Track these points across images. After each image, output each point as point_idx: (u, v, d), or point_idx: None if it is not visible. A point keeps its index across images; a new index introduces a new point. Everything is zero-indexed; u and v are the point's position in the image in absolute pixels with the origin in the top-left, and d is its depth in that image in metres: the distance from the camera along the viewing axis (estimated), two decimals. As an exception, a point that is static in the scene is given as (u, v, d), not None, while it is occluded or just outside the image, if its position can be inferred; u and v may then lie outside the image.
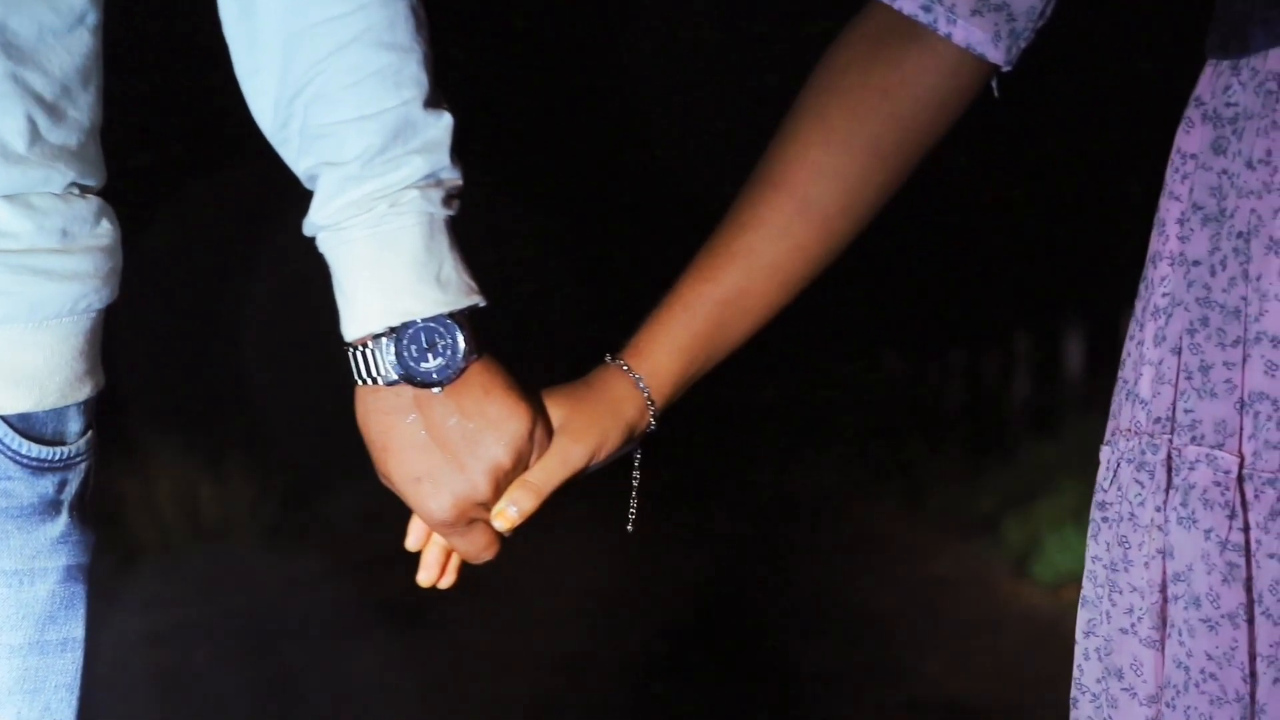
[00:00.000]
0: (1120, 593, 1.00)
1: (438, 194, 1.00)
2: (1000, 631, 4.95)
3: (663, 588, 5.76)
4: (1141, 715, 0.98)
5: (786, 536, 7.41)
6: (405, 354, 0.99)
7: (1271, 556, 0.93)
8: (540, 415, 1.05)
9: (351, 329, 1.01)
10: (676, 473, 9.90)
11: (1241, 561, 0.94)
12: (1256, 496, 0.94)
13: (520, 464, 1.04)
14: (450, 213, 1.01)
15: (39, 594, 0.97)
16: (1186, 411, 0.97)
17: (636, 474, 1.11)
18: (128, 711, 3.96)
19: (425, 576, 1.09)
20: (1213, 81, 1.01)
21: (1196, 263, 0.99)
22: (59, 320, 0.95)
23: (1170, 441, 0.98)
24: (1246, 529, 0.94)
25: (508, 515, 1.05)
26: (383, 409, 1.02)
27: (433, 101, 1.00)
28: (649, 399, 1.08)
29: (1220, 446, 0.95)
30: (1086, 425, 7.71)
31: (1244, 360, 0.95)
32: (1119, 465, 1.01)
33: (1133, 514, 0.99)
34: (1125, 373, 1.04)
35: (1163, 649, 0.97)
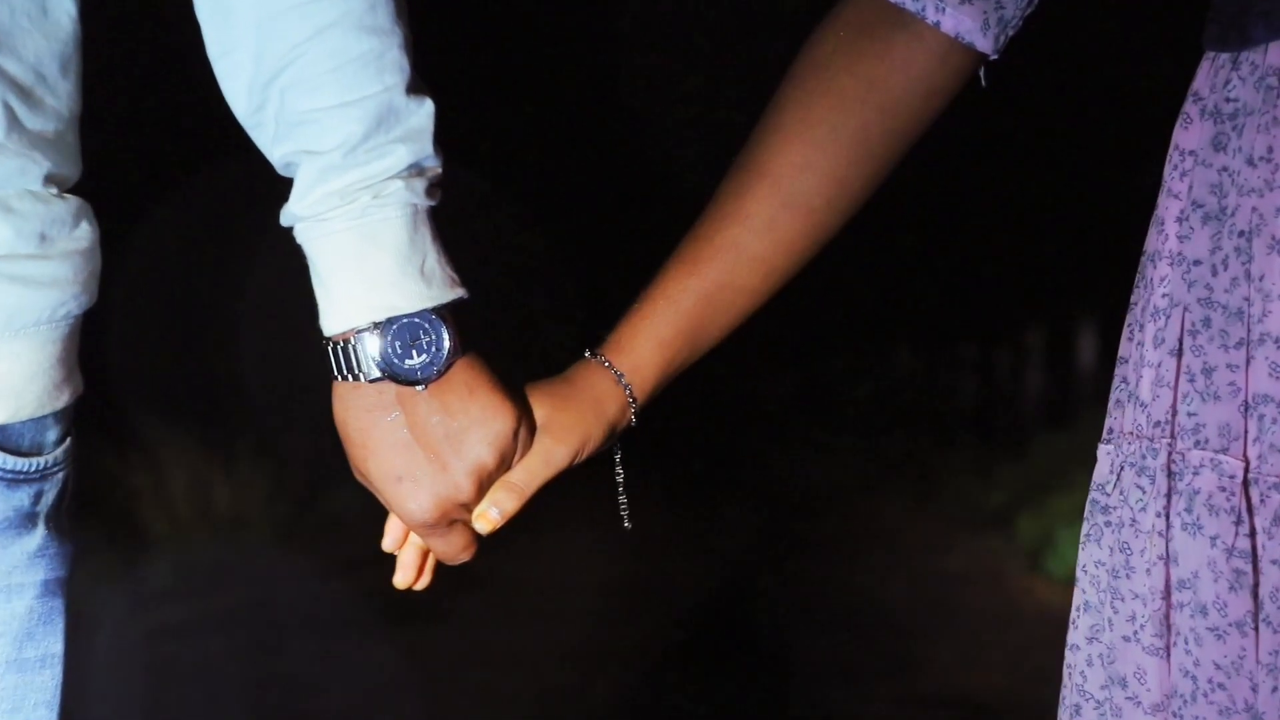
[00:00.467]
0: (1122, 600, 0.97)
1: (421, 184, 0.97)
2: (1013, 626, 4.94)
3: (673, 582, 5.75)
4: None
5: (798, 531, 7.40)
6: (389, 350, 0.96)
7: (1275, 563, 0.91)
8: (525, 414, 1.02)
9: (332, 323, 0.97)
10: (688, 467, 9.90)
11: (1248, 568, 0.91)
12: (1262, 501, 0.92)
13: (504, 464, 1.02)
14: (433, 203, 0.98)
15: (16, 610, 0.93)
16: (1189, 415, 0.95)
17: (620, 471, 1.08)
18: (140, 704, 3.97)
19: (402, 578, 1.06)
20: (1211, 76, 0.98)
21: (1197, 262, 0.96)
22: (36, 328, 0.91)
23: (1170, 445, 0.95)
24: (1253, 534, 0.92)
25: (489, 517, 1.02)
26: (363, 406, 0.99)
27: (415, 87, 0.97)
28: (631, 396, 1.06)
29: (1225, 451, 0.93)
30: (1099, 419, 7.65)
31: (1247, 362, 0.93)
32: (1121, 469, 0.99)
33: (1134, 519, 0.97)
34: (1126, 372, 1.02)
35: (1168, 657, 0.95)
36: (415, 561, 1.06)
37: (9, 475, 0.92)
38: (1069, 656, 1.03)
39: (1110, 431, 1.02)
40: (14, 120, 0.89)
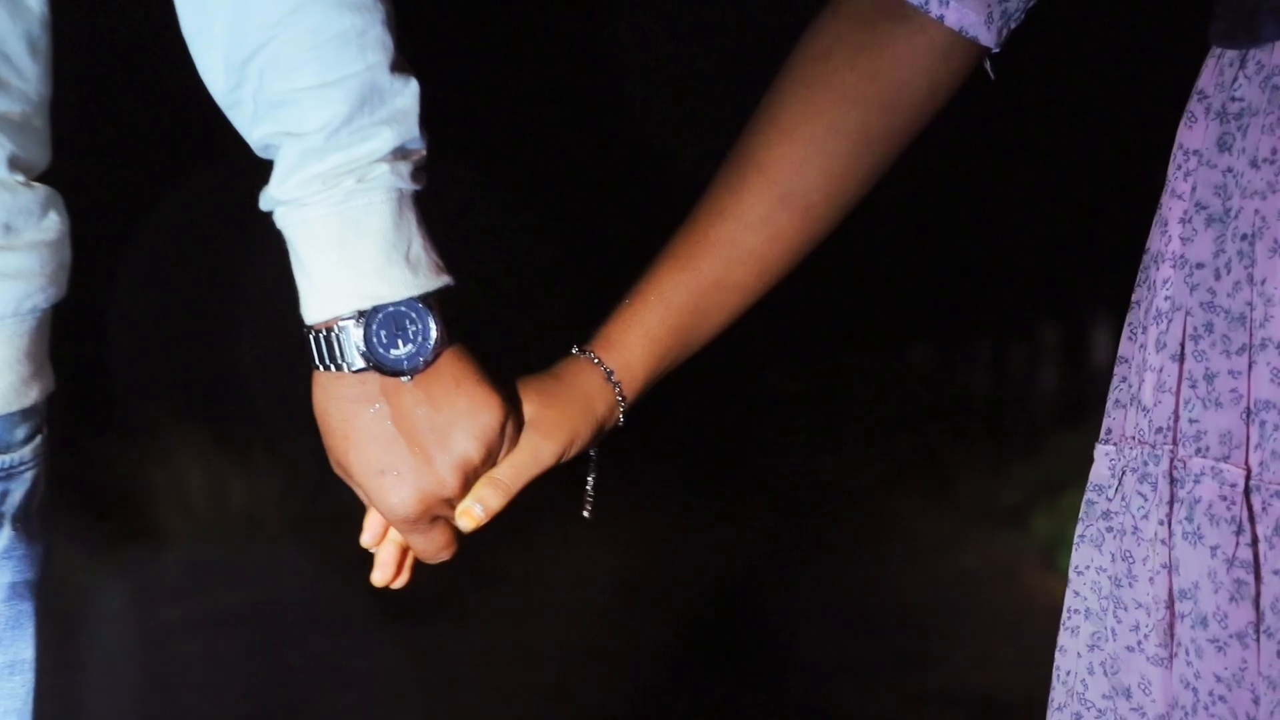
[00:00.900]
0: (1125, 609, 0.95)
1: (406, 167, 0.93)
2: (1028, 623, 4.93)
3: (687, 579, 5.75)
4: None
5: (810, 528, 7.40)
6: (374, 340, 0.93)
7: (1277, 573, 0.89)
8: (512, 409, 0.99)
9: (314, 311, 0.94)
10: (700, 464, 9.89)
11: (1250, 578, 0.89)
12: (1264, 509, 0.90)
13: (489, 459, 0.99)
14: (418, 187, 0.94)
15: None
16: (1191, 421, 0.93)
17: (592, 476, 1.04)
18: (152, 701, 3.98)
19: (380, 576, 1.03)
20: (1216, 74, 0.96)
21: (1200, 265, 0.94)
22: (1, 322, 0.89)
23: (1172, 452, 0.93)
24: (1255, 542, 0.89)
25: (473, 513, 0.99)
26: (345, 397, 0.95)
27: (399, 66, 0.92)
28: (620, 394, 1.03)
29: (1226, 459, 0.91)
30: (1114, 416, 7.64)
31: (1249, 368, 0.91)
32: (1123, 474, 0.97)
33: (1136, 527, 0.95)
34: (1126, 372, 1.00)
35: (1171, 666, 0.93)
36: (394, 559, 1.03)
37: None
38: (1059, 658, 1.01)
39: (1109, 432, 1.01)
40: None
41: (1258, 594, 0.89)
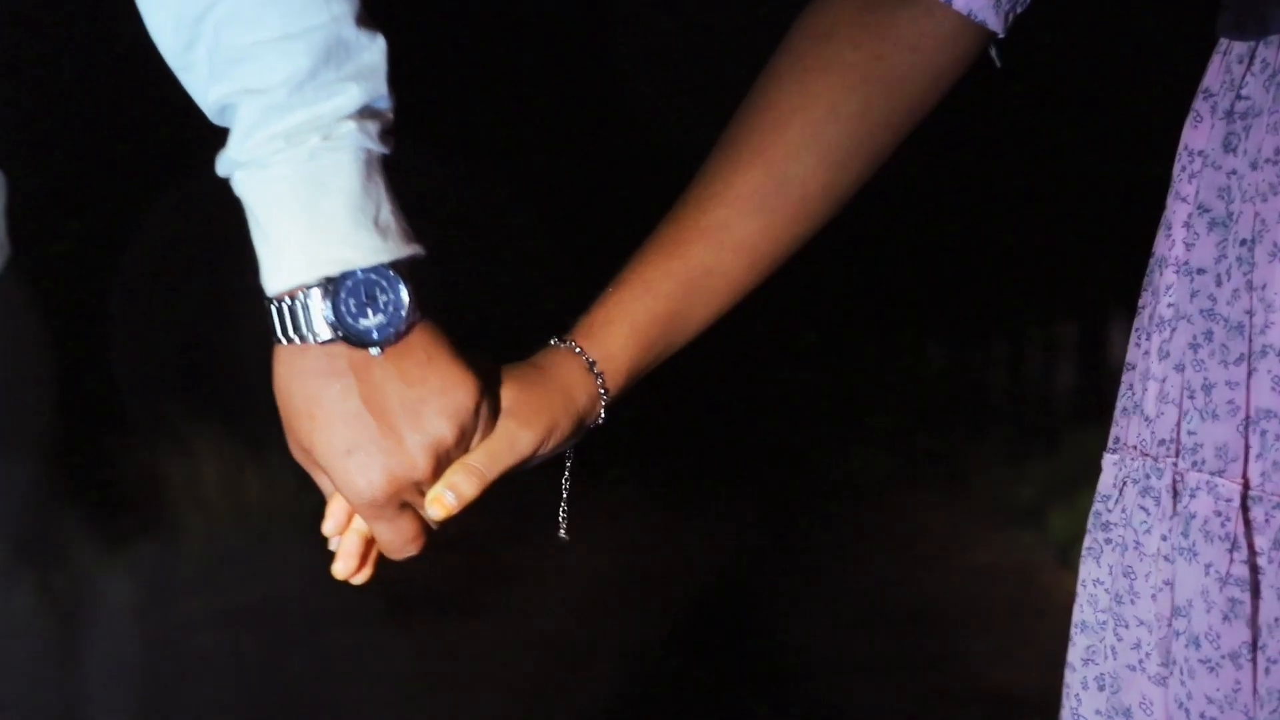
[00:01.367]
0: (1126, 626, 0.92)
1: (374, 126, 0.87)
2: (1044, 621, 4.92)
3: (700, 576, 5.75)
4: None
5: (827, 524, 7.39)
6: (342, 309, 0.87)
7: (1275, 589, 0.86)
8: (487, 391, 0.93)
9: (277, 280, 0.88)
10: (716, 460, 9.88)
11: (1245, 596, 0.86)
12: (1267, 520, 0.86)
13: (463, 442, 0.92)
14: (386, 150, 0.88)
15: None
16: (1189, 434, 0.90)
17: (567, 482, 0.99)
18: (169, 696, 3.99)
19: (343, 567, 0.97)
20: (1223, 72, 0.93)
21: (1201, 271, 0.91)
22: None
23: (1175, 466, 0.90)
24: (1254, 554, 0.86)
25: (444, 501, 0.93)
26: (310, 372, 0.89)
27: (364, 20, 0.87)
28: (602, 386, 0.97)
29: (1222, 473, 0.87)
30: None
31: (1249, 376, 0.88)
32: (1124, 484, 0.94)
33: (1138, 542, 0.92)
34: (1133, 380, 0.96)
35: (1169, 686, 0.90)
36: (358, 549, 0.97)
37: None
38: (1067, 675, 0.99)
39: (1116, 440, 0.98)
40: None
41: (1255, 611, 0.86)
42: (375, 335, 0.88)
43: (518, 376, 0.96)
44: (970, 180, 10.96)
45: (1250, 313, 0.88)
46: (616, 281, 0.99)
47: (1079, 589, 0.98)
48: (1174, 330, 0.92)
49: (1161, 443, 0.92)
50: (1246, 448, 0.88)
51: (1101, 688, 0.94)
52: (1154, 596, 0.90)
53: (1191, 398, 0.90)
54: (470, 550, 5.84)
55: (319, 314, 0.87)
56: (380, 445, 0.89)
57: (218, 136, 0.90)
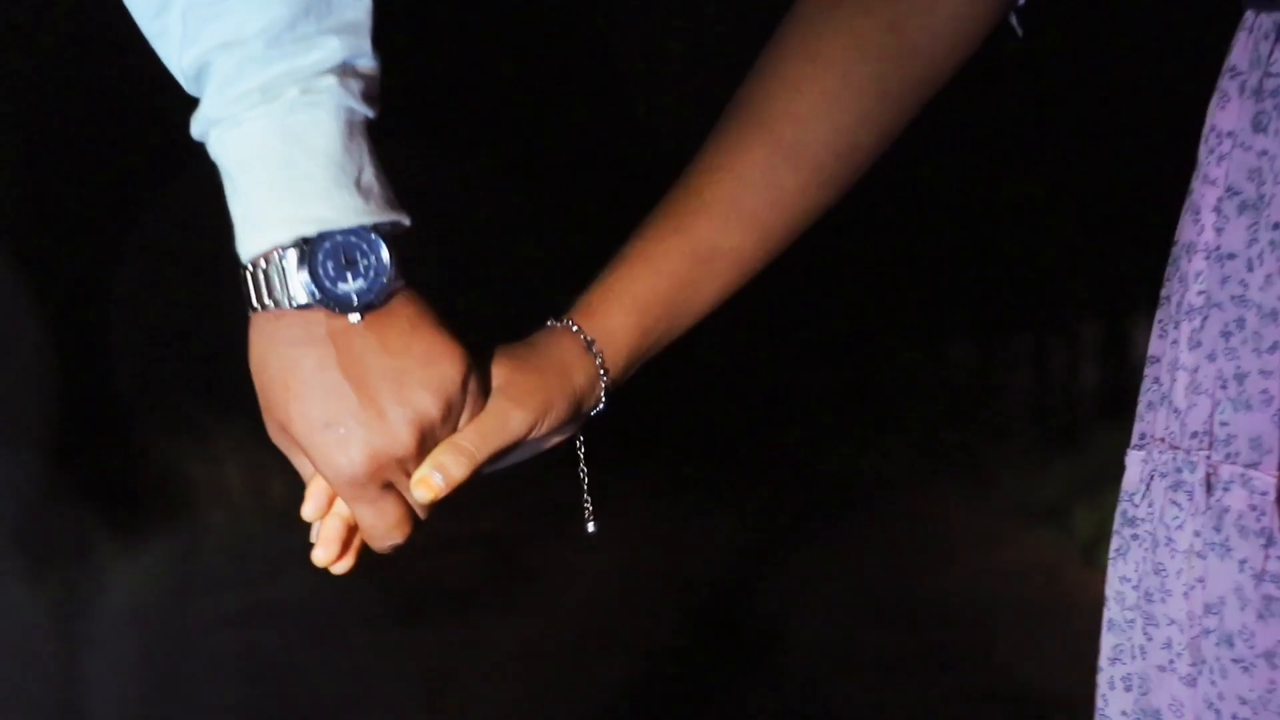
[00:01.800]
0: (1156, 626, 0.89)
1: (358, 85, 0.83)
2: (1069, 620, 4.90)
3: (723, 574, 5.74)
4: None
5: (851, 523, 7.38)
6: (320, 271, 0.82)
7: None
8: (476, 365, 0.88)
9: (251, 242, 0.83)
10: (740, 459, 9.87)
11: None
12: None
13: (449, 418, 0.87)
14: (370, 114, 0.84)
15: None
16: (1222, 425, 0.86)
17: (584, 469, 0.94)
18: (199, 694, 3.99)
19: (322, 554, 0.93)
20: (1250, 49, 0.89)
21: (1232, 256, 0.87)
22: None
23: (1208, 459, 0.86)
24: None
25: (431, 483, 0.88)
26: (286, 340, 0.84)
27: None
28: (601, 366, 0.92)
29: (1255, 465, 0.84)
30: (1156, 412, 7.61)
31: None
32: (1151, 478, 0.90)
33: (1170, 538, 0.88)
34: (1157, 372, 0.93)
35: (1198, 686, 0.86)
36: (338, 535, 0.93)
37: None
38: (1099, 678, 0.96)
39: (1142, 436, 0.94)
40: None
41: None
42: (355, 300, 0.83)
43: (510, 354, 0.91)
44: (993, 176, 10.93)
45: None
46: (617, 258, 0.94)
47: (1107, 593, 0.94)
48: (1205, 318, 0.88)
49: (1193, 435, 0.88)
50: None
51: (1129, 688, 0.91)
52: (1186, 594, 0.87)
53: (1224, 388, 0.86)
54: (489, 550, 5.84)
55: (295, 276, 0.82)
56: (360, 419, 0.84)
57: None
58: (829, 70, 0.93)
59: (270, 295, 0.83)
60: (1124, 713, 0.91)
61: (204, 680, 4.10)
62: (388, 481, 0.87)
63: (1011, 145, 10.32)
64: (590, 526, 0.95)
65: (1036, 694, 4.03)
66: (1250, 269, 0.86)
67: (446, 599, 5.01)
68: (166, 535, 5.65)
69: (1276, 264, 0.85)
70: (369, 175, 0.82)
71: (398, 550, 0.92)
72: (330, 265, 0.81)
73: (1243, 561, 0.84)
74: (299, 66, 0.81)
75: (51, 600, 3.90)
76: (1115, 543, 0.94)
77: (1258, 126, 0.87)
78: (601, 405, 0.93)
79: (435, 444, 0.87)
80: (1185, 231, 0.92)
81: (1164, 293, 0.94)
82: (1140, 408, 0.95)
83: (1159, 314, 0.94)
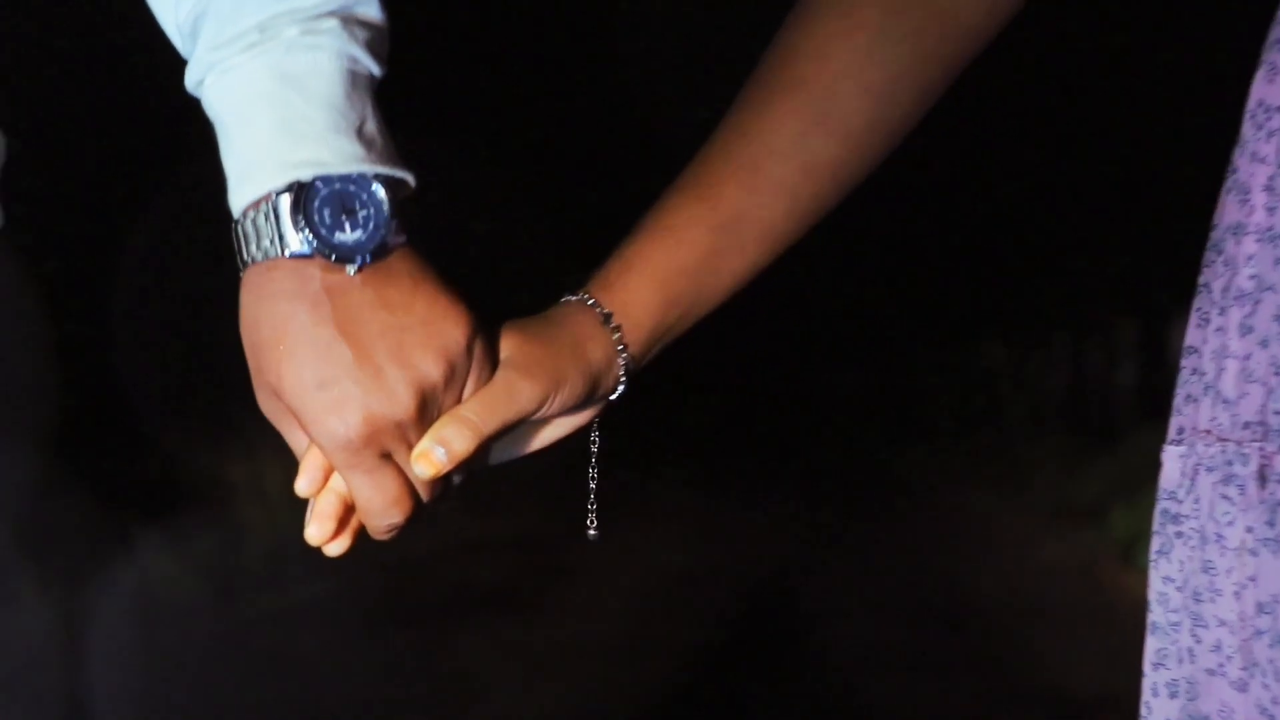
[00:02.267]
0: (1205, 627, 0.83)
1: (362, 35, 0.77)
2: (1107, 620, 4.88)
3: (761, 575, 5.74)
4: None
5: (887, 523, 7.36)
6: (316, 218, 0.75)
7: None
8: (482, 329, 0.81)
9: (243, 191, 0.76)
10: (777, 460, 9.87)
11: None
12: None
13: (453, 385, 0.80)
14: (375, 71, 0.78)
15: None
16: (1276, 414, 0.81)
17: (594, 470, 0.88)
18: (234, 692, 4.02)
19: (316, 531, 0.83)
20: None
21: None
22: None
23: (1261, 450, 0.81)
24: None
25: (433, 458, 0.80)
26: (279, 294, 0.77)
27: None
28: (620, 342, 0.85)
29: None
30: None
31: None
32: (1196, 473, 0.85)
33: (1219, 535, 0.82)
34: (1197, 363, 0.87)
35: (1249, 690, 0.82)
36: (334, 511, 0.83)
37: None
38: (1143, 684, 0.90)
39: (1180, 431, 0.88)
40: None
41: None
42: (352, 250, 0.76)
43: (521, 327, 0.84)
44: (1028, 175, 10.89)
45: None
46: (637, 229, 0.87)
47: (1150, 596, 0.89)
48: (1257, 303, 0.83)
49: (1246, 426, 0.83)
50: None
51: (1174, 694, 0.87)
52: (1237, 594, 0.82)
53: (1278, 374, 0.82)
54: (528, 549, 5.86)
55: (288, 223, 0.75)
56: (356, 378, 0.77)
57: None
58: (859, 30, 0.87)
59: (259, 245, 0.76)
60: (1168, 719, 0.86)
61: (244, 678, 4.12)
62: (385, 451, 0.80)
63: (1048, 146, 10.28)
64: (591, 532, 0.89)
65: (1074, 694, 4.02)
66: None
67: (485, 599, 5.03)
68: (207, 536, 5.69)
69: None
70: (372, 126, 0.77)
71: (396, 538, 0.84)
72: (326, 213, 0.75)
73: None
74: (299, 6, 0.76)
75: (82, 601, 3.94)
76: (1156, 542, 0.89)
77: None
78: (622, 387, 0.86)
79: (437, 412, 0.80)
80: (1230, 213, 0.87)
81: (1202, 279, 0.88)
82: (1177, 401, 0.90)
83: (1197, 302, 0.89)
